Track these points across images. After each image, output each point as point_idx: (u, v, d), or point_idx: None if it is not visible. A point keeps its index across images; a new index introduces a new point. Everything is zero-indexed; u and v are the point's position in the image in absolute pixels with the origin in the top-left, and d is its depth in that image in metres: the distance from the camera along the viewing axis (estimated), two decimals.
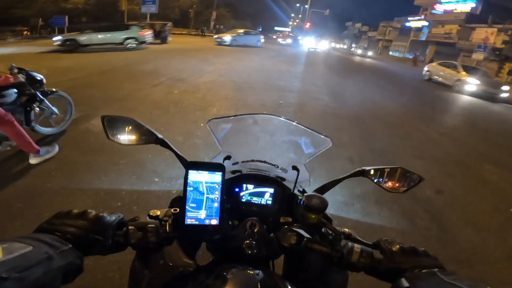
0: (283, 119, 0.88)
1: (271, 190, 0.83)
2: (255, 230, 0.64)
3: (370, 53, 34.18)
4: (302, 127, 0.87)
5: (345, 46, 53.12)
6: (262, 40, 24.30)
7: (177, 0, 34.27)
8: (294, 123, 0.88)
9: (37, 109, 3.27)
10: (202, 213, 0.57)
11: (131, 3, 24.03)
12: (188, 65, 9.77)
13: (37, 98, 3.25)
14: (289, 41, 35.58)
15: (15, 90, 3.01)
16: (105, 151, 3.21)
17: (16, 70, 3.06)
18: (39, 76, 3.30)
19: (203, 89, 6.64)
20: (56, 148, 3.08)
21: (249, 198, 0.83)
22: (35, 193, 2.42)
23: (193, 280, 0.57)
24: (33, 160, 2.85)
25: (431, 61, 22.44)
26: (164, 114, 4.72)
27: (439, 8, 30.97)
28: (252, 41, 22.60)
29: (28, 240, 0.41)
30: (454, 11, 28.84)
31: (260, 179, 0.84)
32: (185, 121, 4.49)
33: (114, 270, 1.73)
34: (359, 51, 35.00)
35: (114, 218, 0.55)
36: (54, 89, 3.52)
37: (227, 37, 21.11)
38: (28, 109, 3.17)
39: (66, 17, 18.92)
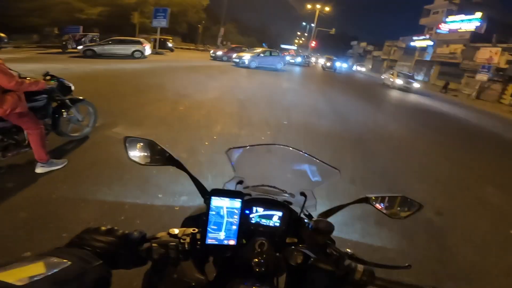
0: (295, 150, 0.94)
1: (279, 213, 0.88)
2: (264, 249, 0.69)
3: (416, 85, 20.15)
4: (313, 158, 0.93)
5: (364, 69, 47.76)
6: (284, 63, 20.69)
7: (185, 15, 35.28)
8: (305, 154, 0.94)
9: (65, 115, 3.52)
10: (221, 234, 0.64)
11: (143, 17, 24.86)
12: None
13: (66, 105, 3.50)
14: (298, 59, 33.38)
15: (46, 96, 3.23)
16: (110, 164, 3.27)
17: (48, 77, 3.31)
18: (69, 84, 3.55)
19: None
20: (65, 162, 3.16)
21: (258, 219, 0.88)
22: (40, 204, 2.46)
23: None
24: (39, 170, 2.92)
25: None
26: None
27: (444, 28, 31.27)
28: (273, 63, 19.36)
29: (65, 255, 0.44)
30: (459, 30, 29.01)
31: (270, 203, 0.90)
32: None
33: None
34: (399, 81, 19.81)
35: (138, 234, 0.61)
36: (81, 98, 3.78)
37: (246, 58, 17.98)
38: (57, 115, 3.43)
39: (81, 28, 19.60)
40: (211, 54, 22.95)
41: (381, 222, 2.86)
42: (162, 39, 23.88)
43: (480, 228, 3.17)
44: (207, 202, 0.63)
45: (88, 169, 3.17)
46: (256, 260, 0.67)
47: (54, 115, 3.42)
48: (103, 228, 0.57)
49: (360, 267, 0.63)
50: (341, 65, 47.78)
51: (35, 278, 0.37)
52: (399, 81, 19.85)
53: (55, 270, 0.40)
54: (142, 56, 16.24)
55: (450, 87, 26.28)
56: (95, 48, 14.84)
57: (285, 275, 0.82)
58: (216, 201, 0.63)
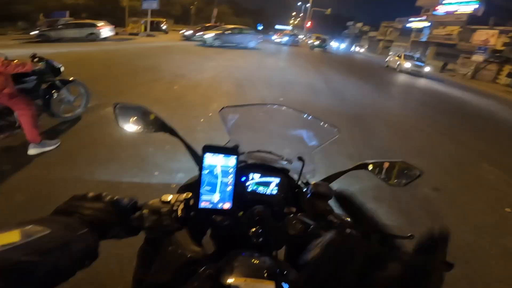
0: (291, 110, 0.90)
1: (277, 180, 0.84)
2: (262, 218, 0.66)
3: (427, 68, 18.69)
4: (310, 117, 0.88)
5: (363, 49, 44.12)
6: (257, 41, 19.48)
7: None
8: (302, 114, 0.89)
9: (56, 96, 3.49)
10: (215, 197, 0.58)
11: None
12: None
13: (56, 86, 3.48)
14: (285, 39, 29.59)
15: (36, 77, 3.21)
16: (106, 144, 3.23)
17: (36, 59, 3.25)
18: (58, 65, 3.49)
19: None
20: (58, 142, 3.11)
21: (254, 187, 0.84)
22: (36, 185, 2.43)
23: (201, 267, 0.58)
24: (32, 151, 2.87)
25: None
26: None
27: (441, 9, 30.87)
28: (243, 42, 18.07)
29: (46, 223, 0.40)
30: (456, 12, 28.73)
31: (266, 169, 0.86)
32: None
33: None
34: (407, 64, 18.07)
35: (128, 201, 0.55)
36: (72, 78, 3.73)
37: (209, 36, 16.80)
38: (48, 96, 3.41)
39: (67, 13, 18.89)
40: (182, 35, 20.56)
41: (380, 198, 2.89)
42: (155, 22, 23.39)
43: (476, 204, 3.22)
44: (200, 160, 0.57)
45: (83, 149, 3.13)
46: (254, 230, 0.63)
47: (45, 96, 3.39)
48: (91, 194, 0.52)
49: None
50: (339, 45, 45.86)
51: (8, 247, 0.33)
52: (407, 65, 17.99)
53: (32, 238, 0.36)
54: (98, 38, 15.11)
55: (447, 67, 26.22)
56: (51, 33, 13.98)
57: (285, 247, 0.80)
58: (209, 159, 0.57)
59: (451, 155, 4.58)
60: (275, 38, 30.04)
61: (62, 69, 3.54)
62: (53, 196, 2.29)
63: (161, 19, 24.77)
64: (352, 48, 42.98)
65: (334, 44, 49.82)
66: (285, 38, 29.64)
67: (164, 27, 24.65)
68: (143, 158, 3.04)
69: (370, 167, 0.81)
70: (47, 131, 3.40)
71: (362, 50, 40.81)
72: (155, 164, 2.93)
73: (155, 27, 23.51)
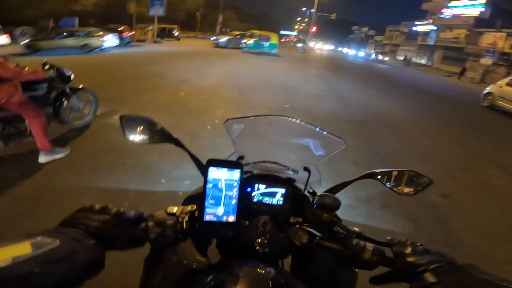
0: (297, 121, 0.89)
1: (283, 191, 0.83)
2: (267, 229, 0.65)
3: None
4: (316, 128, 0.87)
5: (387, 58, 32.90)
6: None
7: (183, 2, 34.61)
8: (308, 125, 0.88)
9: (66, 103, 3.52)
10: (220, 210, 0.59)
11: (140, 6, 24.36)
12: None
13: (66, 93, 3.51)
14: (299, 45, 31.65)
15: (46, 85, 3.23)
16: (112, 151, 3.25)
17: (47, 66, 3.28)
18: (68, 73, 3.52)
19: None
20: (67, 150, 3.15)
21: (260, 198, 0.84)
22: (44, 192, 2.46)
23: (206, 277, 0.58)
24: (42, 158, 2.91)
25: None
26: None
27: (447, 13, 30.74)
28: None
29: (55, 234, 0.41)
30: (462, 15, 28.60)
31: (272, 180, 0.85)
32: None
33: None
34: None
35: (134, 213, 0.56)
36: (81, 86, 3.76)
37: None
38: (58, 104, 3.43)
39: (77, 19, 19.30)
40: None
41: (386, 204, 2.85)
42: (167, 28, 23.92)
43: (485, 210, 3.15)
44: (204, 174, 0.58)
45: (90, 157, 3.16)
46: (259, 240, 0.63)
47: (55, 104, 3.42)
48: (97, 206, 0.53)
49: (370, 246, 0.58)
50: (356, 52, 41.71)
51: (20, 259, 0.34)
52: None
53: (42, 250, 0.37)
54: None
55: (453, 71, 25.88)
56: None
57: (291, 257, 0.79)
58: (213, 173, 0.57)
59: None
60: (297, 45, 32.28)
61: (72, 76, 3.58)
62: (60, 203, 2.32)
63: (173, 26, 25.22)
64: (373, 56, 34.02)
65: (350, 52, 47.73)
66: (299, 45, 32.10)
67: (176, 33, 25.06)
68: (149, 165, 3.05)
69: (378, 176, 0.79)
70: (57, 138, 3.45)
71: (386, 58, 31.91)
72: (161, 172, 2.94)
73: (167, 33, 23.95)
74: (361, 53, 43.83)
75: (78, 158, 3.10)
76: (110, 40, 13.19)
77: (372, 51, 40.85)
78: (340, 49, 57.25)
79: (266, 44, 20.60)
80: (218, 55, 16.49)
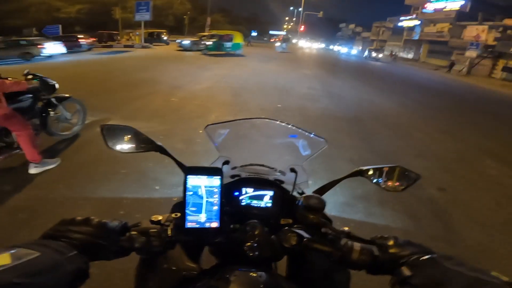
0: (279, 123, 0.89)
1: (271, 193, 0.83)
2: (256, 232, 0.64)
3: None
4: (297, 129, 0.88)
5: (381, 55, 32.08)
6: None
7: (171, 7, 34.48)
8: (289, 126, 0.88)
9: (53, 114, 3.42)
10: (202, 217, 0.59)
11: (125, 11, 24.20)
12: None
13: (52, 103, 3.41)
14: (277, 44, 29.10)
15: (31, 96, 3.13)
16: (105, 161, 3.20)
17: (30, 76, 3.20)
18: (52, 82, 3.42)
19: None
20: (58, 161, 3.08)
21: (248, 201, 0.84)
22: (39, 204, 2.41)
23: (197, 284, 0.58)
24: (32, 170, 2.85)
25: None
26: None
27: (429, 7, 31.35)
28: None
29: (35, 246, 0.41)
30: (444, 9, 29.20)
31: (259, 183, 0.85)
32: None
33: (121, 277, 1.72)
34: None
35: (117, 223, 0.56)
36: (67, 95, 3.67)
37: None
38: (44, 114, 3.34)
39: (60, 27, 19.02)
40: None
41: (384, 201, 2.87)
42: (155, 33, 23.58)
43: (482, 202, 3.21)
44: (183, 182, 0.58)
45: (82, 167, 3.10)
46: (249, 244, 0.62)
47: (42, 115, 3.34)
48: (78, 218, 0.53)
49: (357, 246, 0.58)
50: (349, 50, 39.71)
51: None
52: None
53: (22, 261, 0.37)
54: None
55: (440, 64, 26.35)
56: None
57: (286, 260, 0.79)
58: (192, 180, 0.57)
59: None
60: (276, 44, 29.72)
61: (57, 86, 3.49)
62: (56, 214, 2.27)
63: (161, 30, 25.04)
64: (366, 53, 33.03)
65: (342, 50, 46.15)
66: (277, 44, 29.44)
67: (165, 38, 24.91)
68: (143, 173, 3.01)
69: (366, 173, 0.79)
70: (47, 149, 3.38)
71: (380, 55, 30.96)
72: (155, 179, 2.91)
73: (156, 38, 23.67)
74: (354, 51, 42.65)
75: (70, 168, 3.04)
76: (51, 48, 12.86)
77: (364, 49, 40.40)
78: (331, 47, 56.59)
79: (228, 44, 18.73)
80: (170, 60, 14.17)
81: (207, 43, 18.41)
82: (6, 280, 0.34)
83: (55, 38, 14.52)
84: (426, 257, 0.49)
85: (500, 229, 2.68)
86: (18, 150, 2.88)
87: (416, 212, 2.80)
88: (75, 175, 2.93)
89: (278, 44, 29.21)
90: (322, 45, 58.45)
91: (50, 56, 12.66)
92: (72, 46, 15.25)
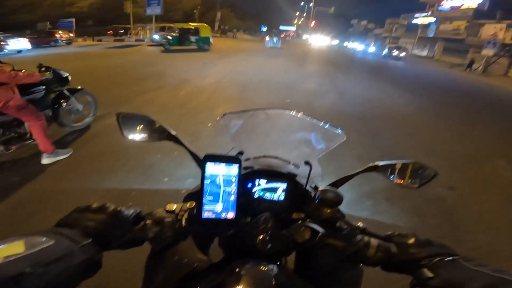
0: (296, 114, 0.86)
1: (284, 186, 0.82)
2: (269, 225, 0.63)
3: None
4: (315, 121, 0.85)
5: (403, 54, 26.66)
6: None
7: (180, 2, 34.50)
8: (307, 118, 0.86)
9: (65, 105, 3.49)
10: (218, 206, 0.57)
11: (136, 6, 24.29)
12: None
13: (65, 95, 3.49)
14: (267, 38, 25.64)
15: (44, 87, 3.20)
16: (114, 152, 3.25)
17: (43, 68, 3.27)
18: (65, 74, 3.50)
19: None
20: (70, 151, 3.14)
21: (261, 194, 0.82)
22: (48, 195, 2.45)
23: (207, 276, 0.57)
24: (45, 160, 2.91)
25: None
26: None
27: (446, 5, 30.52)
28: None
29: (49, 234, 0.41)
30: (461, 7, 28.39)
31: (273, 175, 0.83)
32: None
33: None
34: None
35: (132, 212, 0.55)
36: (79, 87, 3.74)
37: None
38: (56, 106, 3.41)
39: (73, 20, 19.29)
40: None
41: (391, 198, 2.82)
42: (166, 27, 23.41)
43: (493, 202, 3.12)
44: (201, 169, 0.56)
45: (92, 158, 3.15)
46: (261, 237, 0.61)
47: (54, 106, 3.41)
48: (94, 205, 0.52)
49: (374, 241, 0.56)
50: (366, 48, 34.65)
51: (11, 258, 0.34)
52: None
53: (35, 249, 0.36)
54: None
55: (455, 62, 25.63)
56: None
57: (295, 254, 0.78)
58: (210, 168, 0.56)
59: None
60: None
61: (69, 78, 3.56)
62: (65, 205, 2.25)
63: (171, 24, 24.87)
64: (385, 52, 28.34)
65: (358, 47, 41.97)
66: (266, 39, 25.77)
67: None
68: (151, 165, 3.04)
69: (381, 169, 0.77)
70: (58, 140, 3.45)
71: (402, 54, 26.16)
72: (164, 171, 2.93)
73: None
74: (372, 49, 36.84)
75: (80, 160, 3.09)
76: (14, 44, 13.71)
77: (381, 46, 35.41)
78: (346, 44, 52.76)
79: (193, 38, 16.67)
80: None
81: (169, 37, 16.00)
82: (19, 270, 0.33)
83: (20, 35, 15.05)
84: (448, 259, 0.47)
85: (509, 230, 2.62)
86: (30, 141, 2.95)
87: (424, 211, 2.75)
88: (84, 166, 2.98)
89: (267, 38, 25.76)
90: (336, 42, 54.99)
91: (19, 51, 13.63)
92: (50, 41, 16.51)
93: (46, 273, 0.35)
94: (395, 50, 27.50)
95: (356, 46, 43.44)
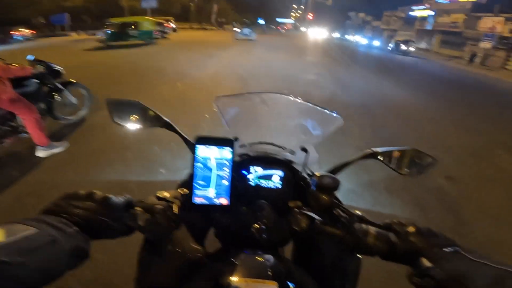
0: (292, 98, 0.84)
1: (280, 173, 0.79)
2: (265, 214, 0.62)
3: None
4: (312, 105, 0.83)
5: (413, 49, 24.33)
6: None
7: None
8: (303, 102, 0.84)
9: (58, 98, 3.45)
10: (211, 191, 0.55)
11: None
12: None
13: (58, 88, 3.44)
14: (236, 29, 22.94)
15: (36, 81, 3.17)
16: (111, 145, 3.21)
17: (35, 62, 3.21)
18: (58, 68, 3.47)
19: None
20: (65, 144, 3.11)
21: (257, 181, 0.80)
22: (46, 188, 2.43)
23: (202, 267, 0.55)
24: (40, 153, 2.88)
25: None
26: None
27: None
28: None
29: (33, 222, 0.38)
30: (460, 0, 28.33)
31: (269, 162, 0.81)
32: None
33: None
34: None
35: (121, 199, 0.52)
36: (73, 80, 3.71)
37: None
38: (50, 99, 3.37)
39: (66, 15, 19.00)
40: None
41: (391, 189, 2.81)
42: (163, 21, 23.23)
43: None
44: (192, 152, 0.54)
45: (88, 151, 3.12)
46: (257, 226, 0.59)
47: (47, 99, 3.37)
48: (82, 192, 0.49)
49: (373, 230, 0.54)
50: (370, 42, 29.94)
51: None
52: None
53: (16, 238, 0.34)
54: None
55: (452, 54, 25.56)
56: None
57: (293, 245, 0.77)
58: (202, 150, 0.53)
59: None
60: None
61: (62, 71, 3.52)
62: None
63: (168, 18, 24.51)
64: (391, 45, 26.05)
65: (361, 41, 36.44)
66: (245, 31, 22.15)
67: (173, 25, 24.61)
68: (148, 157, 3.02)
69: (379, 156, 0.75)
70: (53, 133, 3.40)
71: (412, 49, 23.96)
72: (161, 163, 2.91)
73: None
74: (376, 42, 33.03)
75: (76, 152, 3.06)
76: None
77: (386, 39, 31.75)
78: (347, 36, 46.71)
79: (134, 33, 15.04)
80: None
81: (109, 31, 14.52)
82: None
83: None
84: (449, 249, 0.46)
85: (511, 222, 2.61)
86: (23, 134, 2.91)
87: (425, 202, 2.75)
88: (81, 159, 2.96)
89: (237, 30, 22.88)
90: (337, 35, 50.03)
91: None
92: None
93: (27, 262, 0.34)
94: (403, 44, 24.66)
95: (358, 39, 38.38)
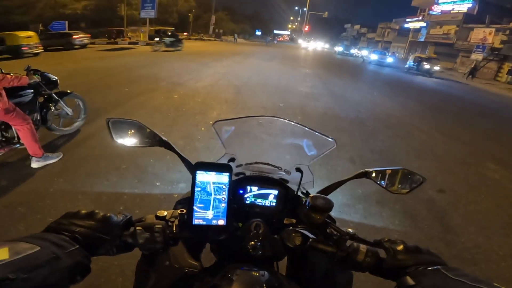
0: (287, 121, 0.88)
1: (275, 192, 0.83)
2: (260, 231, 0.64)
3: None
4: (306, 128, 0.87)
5: (436, 68, 19.52)
6: None
7: (175, 4, 34.50)
8: (298, 125, 0.87)
9: (53, 109, 3.42)
10: (209, 214, 0.58)
11: (130, 8, 24.24)
12: None
13: (53, 99, 3.42)
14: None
15: (32, 91, 3.13)
16: (105, 156, 3.21)
17: (31, 71, 3.19)
18: (53, 78, 3.44)
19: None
20: (60, 155, 3.10)
21: (253, 200, 0.83)
22: (38, 198, 2.42)
23: (198, 281, 0.57)
24: (35, 164, 2.87)
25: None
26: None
27: (436, 9, 31.10)
28: None
29: (36, 240, 0.41)
30: (452, 11, 28.99)
31: (264, 181, 0.85)
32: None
33: (118, 273, 1.72)
34: None
35: (121, 218, 0.55)
36: (69, 91, 3.67)
37: None
38: (45, 109, 3.34)
39: (66, 23, 19.11)
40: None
41: (383, 201, 2.85)
42: (161, 30, 23.03)
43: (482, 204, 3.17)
44: (192, 177, 0.57)
45: (83, 162, 3.11)
46: (252, 243, 0.62)
47: (42, 110, 3.33)
48: (83, 211, 0.52)
49: (363, 247, 0.57)
50: (381, 58, 24.17)
51: None
52: None
53: (20, 256, 0.36)
54: None
55: (446, 66, 25.94)
56: None
57: (287, 259, 0.79)
58: (201, 176, 0.56)
59: None
60: None
61: (58, 81, 3.49)
62: (54, 209, 2.29)
63: (168, 28, 24.45)
64: (409, 63, 21.52)
65: (372, 56, 25.43)
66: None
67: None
68: (143, 169, 3.02)
69: (371, 175, 0.79)
70: (48, 144, 3.40)
71: (436, 68, 19.78)
72: (155, 175, 2.91)
73: (162, 36, 22.21)
74: (390, 59, 25.19)
75: (71, 163, 3.05)
76: None
77: (410, 56, 24.88)
78: (352, 51, 35.50)
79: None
80: None
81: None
82: (2, 276, 0.33)
83: None
84: (432, 268, 0.49)
85: (499, 232, 2.67)
86: (18, 145, 2.90)
87: (415, 213, 2.78)
88: (75, 169, 2.95)
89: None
90: (340, 49, 38.49)
91: None
92: None
93: (30, 279, 0.35)
94: (426, 62, 19.80)
95: (365, 54, 29.31)
